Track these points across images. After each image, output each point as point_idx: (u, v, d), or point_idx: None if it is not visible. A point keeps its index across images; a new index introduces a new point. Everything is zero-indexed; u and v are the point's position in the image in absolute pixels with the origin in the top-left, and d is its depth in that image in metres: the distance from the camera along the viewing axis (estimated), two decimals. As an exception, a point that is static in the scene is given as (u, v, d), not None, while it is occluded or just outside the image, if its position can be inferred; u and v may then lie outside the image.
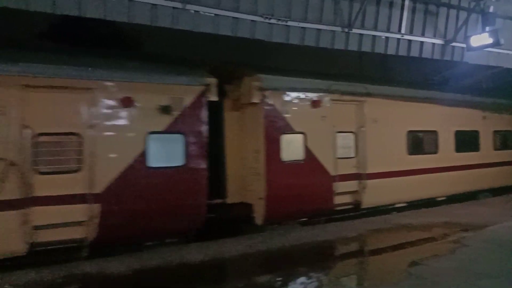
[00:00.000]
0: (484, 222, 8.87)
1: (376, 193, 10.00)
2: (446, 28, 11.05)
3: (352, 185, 9.82)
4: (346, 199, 9.84)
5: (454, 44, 11.24)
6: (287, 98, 9.03)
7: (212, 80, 8.08)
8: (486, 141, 12.99)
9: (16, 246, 6.23)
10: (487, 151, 12.93)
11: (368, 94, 10.27)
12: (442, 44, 11.19)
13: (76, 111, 6.89)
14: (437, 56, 11.28)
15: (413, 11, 10.43)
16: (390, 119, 10.64)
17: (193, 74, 8.03)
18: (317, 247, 7.39)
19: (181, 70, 7.99)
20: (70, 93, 6.84)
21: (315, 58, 10.85)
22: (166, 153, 7.67)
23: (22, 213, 6.26)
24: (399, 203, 10.93)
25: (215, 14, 7.99)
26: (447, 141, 12.02)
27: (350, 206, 9.95)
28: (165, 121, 7.56)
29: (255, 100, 8.62)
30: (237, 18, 8.24)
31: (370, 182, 9.92)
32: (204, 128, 7.93)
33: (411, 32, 10.57)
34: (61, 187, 6.65)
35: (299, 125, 9.07)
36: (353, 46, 9.87)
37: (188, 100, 7.78)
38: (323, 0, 9.13)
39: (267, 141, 8.64)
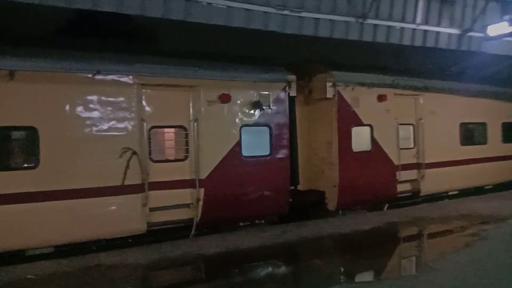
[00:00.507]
0: (502, 215, 8.67)
1: (433, 182, 10.76)
2: (463, 17, 10.81)
3: (412, 174, 10.60)
4: (407, 187, 10.65)
5: (471, 33, 10.98)
6: (356, 93, 9.62)
7: (292, 77, 8.96)
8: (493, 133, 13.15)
9: (138, 225, 7.18)
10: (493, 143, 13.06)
11: (426, 88, 10.92)
12: (459, 34, 10.95)
13: (183, 107, 7.81)
14: (453, 46, 11.06)
15: (428, 0, 10.23)
16: (445, 112, 11.24)
17: (277, 72, 8.82)
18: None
19: (268, 68, 8.76)
20: (177, 91, 7.74)
21: (329, 48, 10.70)
22: (256, 143, 8.49)
23: (142, 196, 7.19)
24: (452, 190, 11.59)
25: (228, 6, 7.94)
26: (495, 133, 12.66)
27: (410, 194, 10.76)
28: (255, 115, 8.44)
29: (329, 95, 9.27)
30: (249, 9, 8.18)
31: (428, 171, 10.68)
32: (287, 121, 8.87)
33: (426, 22, 10.38)
34: (171, 174, 7.57)
35: (367, 118, 9.76)
36: (367, 37, 9.72)
37: (273, 95, 8.64)
38: (336, -10, 9.02)
39: (339, 133, 9.33)
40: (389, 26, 9.82)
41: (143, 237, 7.21)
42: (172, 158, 7.85)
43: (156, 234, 7.33)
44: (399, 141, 10.27)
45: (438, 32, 10.61)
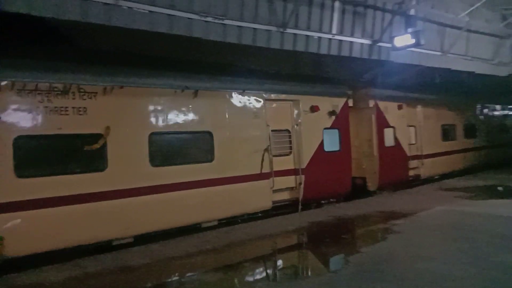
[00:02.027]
0: (415, 209, 9.50)
1: (428, 168, 14.86)
2: (373, 29, 11.68)
3: (416, 162, 14.44)
4: (413, 172, 14.43)
5: (380, 44, 11.90)
6: (386, 104, 13.28)
7: (350, 92, 12.22)
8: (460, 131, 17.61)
9: (268, 203, 9.80)
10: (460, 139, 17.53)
11: (423, 100, 15.16)
12: (370, 44, 11.81)
13: (288, 115, 10.60)
14: (365, 55, 11.88)
15: (342, 12, 10.90)
16: (433, 117, 15.55)
17: (342, 88, 12.03)
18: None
19: (338, 86, 11.96)
20: (285, 104, 10.55)
21: (253, 56, 10.99)
22: (331, 141, 11.30)
23: (270, 181, 9.74)
24: (441, 174, 15.54)
25: (150, 11, 7.79)
26: (459, 132, 17.17)
27: (415, 177, 14.46)
28: (330, 120, 11.39)
29: (370, 105, 12.86)
30: (173, 15, 8.09)
31: (425, 160, 14.73)
32: (348, 125, 11.96)
33: (341, 33, 11.05)
34: (283, 164, 10.20)
35: (392, 122, 13.45)
36: (288, 46, 10.09)
37: (340, 106, 11.67)
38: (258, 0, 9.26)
39: (377, 132, 12.87)
40: (307, 36, 10.30)
41: (268, 211, 9.78)
42: (282, 153, 10.33)
43: (276, 209, 9.97)
44: (409, 139, 14.22)
45: (351, 42, 11.34)
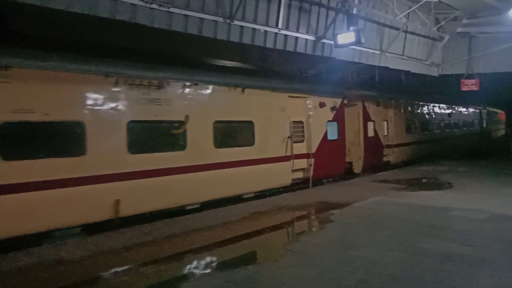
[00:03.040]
0: (351, 200, 10.01)
1: (396, 155, 18.13)
2: (317, 25, 12.04)
3: (388, 150, 17.66)
4: (386, 158, 17.63)
5: (324, 40, 12.30)
6: (369, 102, 16.44)
7: (346, 92, 14.75)
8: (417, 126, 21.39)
9: (289, 180, 12.15)
10: (418, 133, 21.29)
11: (396, 100, 18.58)
12: (314, 40, 12.17)
13: (302, 109, 12.79)
14: (309, 51, 12.24)
15: (289, 7, 11.12)
16: (400, 113, 18.97)
17: (341, 88, 14.65)
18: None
19: (338, 86, 14.74)
20: (300, 100, 12.72)
21: (199, 47, 10.97)
22: (332, 132, 13.88)
23: (291, 163, 12.05)
24: (407, 160, 18.87)
25: (91, -5, 7.49)
26: (417, 126, 20.98)
27: (386, 162, 17.52)
28: (332, 115, 13.91)
29: (358, 102, 15.71)
30: (116, 0, 7.84)
31: (394, 149, 17.96)
32: (344, 118, 14.58)
33: (287, 28, 11.27)
34: (299, 149, 12.40)
35: (373, 116, 16.62)
36: (234, 38, 10.16)
37: (338, 103, 14.18)
38: (206, -11, 9.21)
39: (363, 125, 15.78)
40: (254, 29, 10.41)
41: (287, 187, 12.04)
42: (298, 140, 12.50)
43: (293, 186, 12.26)
44: (385, 131, 17.45)
45: (296, 38, 11.63)
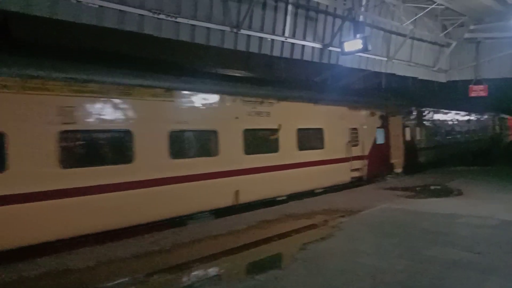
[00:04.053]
0: (358, 208, 9.97)
1: (426, 157, 19.88)
2: (324, 33, 12.09)
3: (421, 152, 19.46)
4: (420, 159, 19.40)
5: (330, 48, 12.34)
6: (406, 115, 18.26)
7: (389, 102, 16.99)
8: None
9: (348, 178, 14.18)
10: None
11: (425, 108, 20.76)
12: (321, 48, 12.22)
13: (357, 118, 14.81)
14: (316, 59, 12.30)
15: (295, 15, 11.21)
16: (431, 121, 21.42)
17: (383, 101, 16.72)
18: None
19: (381, 100, 16.74)
20: (356, 110, 14.79)
21: (205, 56, 11.08)
22: (380, 137, 16.07)
23: (350, 164, 14.10)
24: (435, 161, 20.40)
25: (100, 6, 7.63)
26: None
27: (419, 163, 19.20)
28: (380, 122, 16.17)
29: (400, 115, 17.51)
30: (123, 11, 7.98)
31: (426, 151, 19.85)
32: (388, 126, 16.63)
33: (293, 36, 11.35)
34: (355, 152, 14.39)
35: (408, 123, 18.46)
36: (241, 46, 10.26)
37: (384, 112, 16.36)
38: (212, -1, 9.32)
39: (403, 131, 17.65)
40: (261, 38, 10.50)
41: (346, 184, 14.00)
42: (354, 143, 14.50)
43: (351, 183, 14.23)
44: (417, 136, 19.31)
45: (303, 46, 11.69)
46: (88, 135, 7.73)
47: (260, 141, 11.10)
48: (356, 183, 14.49)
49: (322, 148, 13.04)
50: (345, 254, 6.45)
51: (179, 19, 8.78)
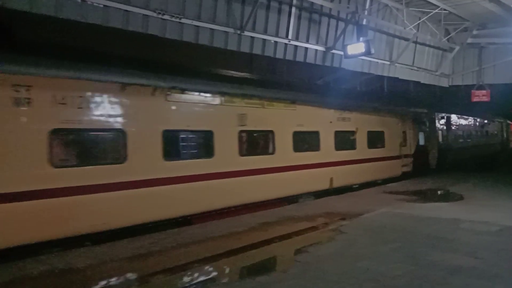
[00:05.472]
0: (358, 212, 9.96)
1: (453, 157, 22.35)
2: (327, 36, 12.10)
3: (447, 153, 21.73)
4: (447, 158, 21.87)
5: (334, 51, 12.35)
6: (439, 119, 21.57)
7: (423, 111, 19.35)
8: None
9: (399, 172, 17.38)
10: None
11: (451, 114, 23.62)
12: (324, 51, 12.23)
13: (406, 124, 18.09)
14: (319, 61, 12.30)
15: (299, 18, 11.22)
16: (456, 126, 24.52)
17: (424, 110, 19.41)
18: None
19: (422, 108, 19.35)
20: (404, 117, 17.94)
21: (209, 58, 11.09)
22: (421, 139, 19.32)
23: (401, 160, 17.33)
24: (458, 160, 23.06)
25: (104, 5, 7.65)
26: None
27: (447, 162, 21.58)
28: (421, 127, 19.55)
29: (434, 120, 20.63)
30: (128, 11, 7.99)
31: (452, 151, 22.53)
32: (425, 129, 19.91)
33: (297, 38, 11.36)
34: (404, 151, 17.53)
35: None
36: (245, 48, 10.26)
37: (424, 119, 19.69)
38: (216, 0, 9.33)
39: (435, 134, 20.63)
40: (264, 40, 10.51)
41: (398, 177, 16.99)
42: (403, 145, 17.56)
43: (402, 175, 17.35)
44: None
45: (306, 48, 11.70)
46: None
47: (345, 140, 14.42)
48: (404, 176, 17.41)
49: (383, 147, 16.33)
50: (345, 258, 6.43)
51: (183, 20, 8.79)
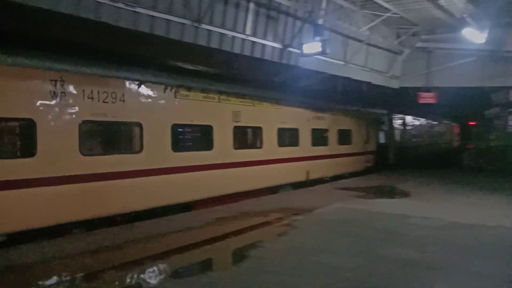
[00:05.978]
0: (312, 207, 10.12)
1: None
2: (284, 33, 12.15)
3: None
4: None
5: (290, 49, 12.42)
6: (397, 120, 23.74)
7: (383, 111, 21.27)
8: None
9: (362, 167, 18.93)
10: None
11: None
12: (281, 48, 12.27)
13: (367, 122, 19.77)
14: (276, 59, 12.31)
15: (256, 14, 11.16)
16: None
17: (382, 111, 21.17)
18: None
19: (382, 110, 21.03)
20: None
21: (167, 50, 10.76)
22: (382, 137, 21.41)
23: (364, 156, 19.50)
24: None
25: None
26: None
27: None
28: (381, 126, 21.39)
29: (391, 120, 22.49)
30: (77, -5, 7.57)
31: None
32: (384, 129, 22.11)
33: (254, 34, 11.31)
34: (367, 147, 19.87)
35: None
36: (202, 41, 10.04)
37: (384, 119, 21.66)
38: (173, -9, 9.08)
39: (393, 133, 22.92)
40: (222, 34, 10.36)
41: (362, 171, 18.74)
42: (366, 142, 19.61)
43: (365, 170, 19.12)
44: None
45: (264, 45, 11.67)
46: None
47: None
48: (367, 170, 18.82)
49: (350, 144, 17.88)
50: (299, 252, 6.50)
51: (138, 9, 8.47)
